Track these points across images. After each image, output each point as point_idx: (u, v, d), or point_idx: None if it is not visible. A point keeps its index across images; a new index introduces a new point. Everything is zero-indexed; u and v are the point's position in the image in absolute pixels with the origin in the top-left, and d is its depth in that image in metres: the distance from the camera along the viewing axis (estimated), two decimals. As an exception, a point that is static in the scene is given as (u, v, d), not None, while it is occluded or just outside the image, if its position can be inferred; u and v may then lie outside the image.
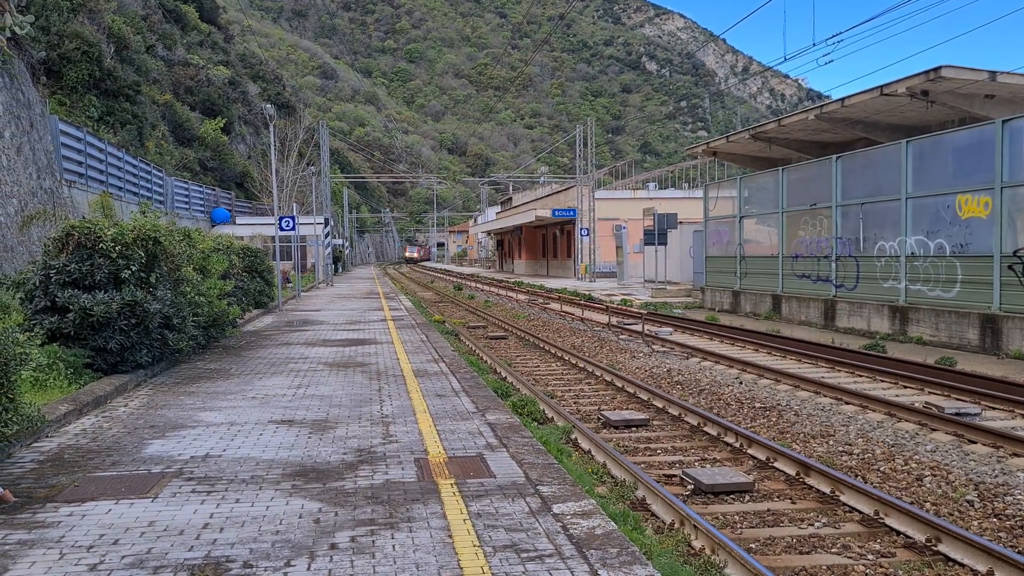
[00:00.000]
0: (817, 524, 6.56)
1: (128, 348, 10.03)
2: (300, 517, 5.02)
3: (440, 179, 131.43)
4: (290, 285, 33.36)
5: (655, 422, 10.34)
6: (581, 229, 48.22)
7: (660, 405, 11.12)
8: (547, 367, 15.33)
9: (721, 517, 6.72)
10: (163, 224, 11.35)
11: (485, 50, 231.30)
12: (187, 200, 39.30)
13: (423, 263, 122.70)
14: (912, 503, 6.93)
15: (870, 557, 5.89)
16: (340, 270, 64.41)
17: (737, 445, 8.86)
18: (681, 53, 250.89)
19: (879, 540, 6.21)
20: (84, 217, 15.72)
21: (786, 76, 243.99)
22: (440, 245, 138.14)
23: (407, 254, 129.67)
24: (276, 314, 22.15)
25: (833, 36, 22.71)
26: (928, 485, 7.49)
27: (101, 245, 9.94)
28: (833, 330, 19.36)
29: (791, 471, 7.79)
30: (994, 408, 10.42)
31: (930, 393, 11.52)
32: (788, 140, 25.66)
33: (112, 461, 6.39)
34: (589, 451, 8.75)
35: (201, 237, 14.45)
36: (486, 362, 15.61)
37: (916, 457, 8.38)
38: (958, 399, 10.92)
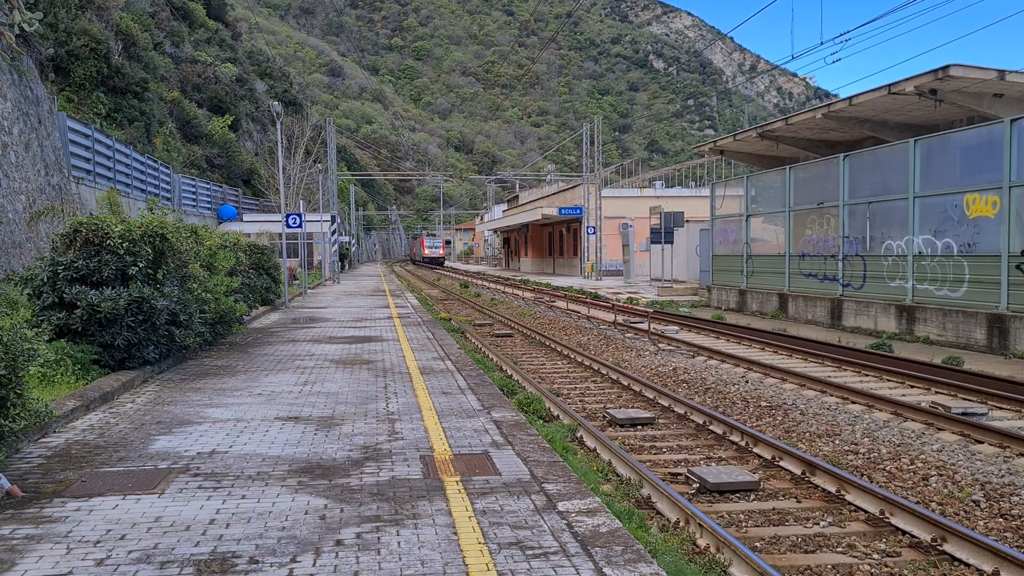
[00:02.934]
0: (822, 523, 6.56)
1: (135, 344, 10.07)
2: (306, 513, 5.04)
3: (447, 177, 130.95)
4: (297, 282, 33.42)
5: (661, 420, 10.34)
6: (588, 227, 48.19)
7: (666, 403, 11.12)
8: (553, 365, 15.33)
9: (726, 516, 6.72)
10: (170, 221, 11.38)
11: (492, 48, 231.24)
12: (194, 197, 39.41)
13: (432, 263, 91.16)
14: (918, 503, 6.92)
15: (875, 556, 5.88)
16: (347, 268, 64.51)
17: (743, 444, 8.86)
18: (688, 51, 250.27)
19: (885, 539, 6.20)
20: (92, 214, 15.78)
21: (794, 74, 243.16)
22: (447, 243, 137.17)
23: (426, 252, 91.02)
24: (283, 311, 22.19)
25: (841, 35, 22.67)
26: (934, 485, 7.48)
27: (109, 242, 9.98)
28: (840, 329, 19.31)
29: (797, 470, 7.78)
30: (1001, 408, 10.39)
31: (937, 393, 11.49)
32: (795, 139, 25.61)
33: (119, 457, 6.42)
34: (595, 449, 8.76)
35: (208, 234, 14.48)
36: (492, 360, 15.62)
37: (922, 457, 8.36)
38: (965, 399, 10.89)
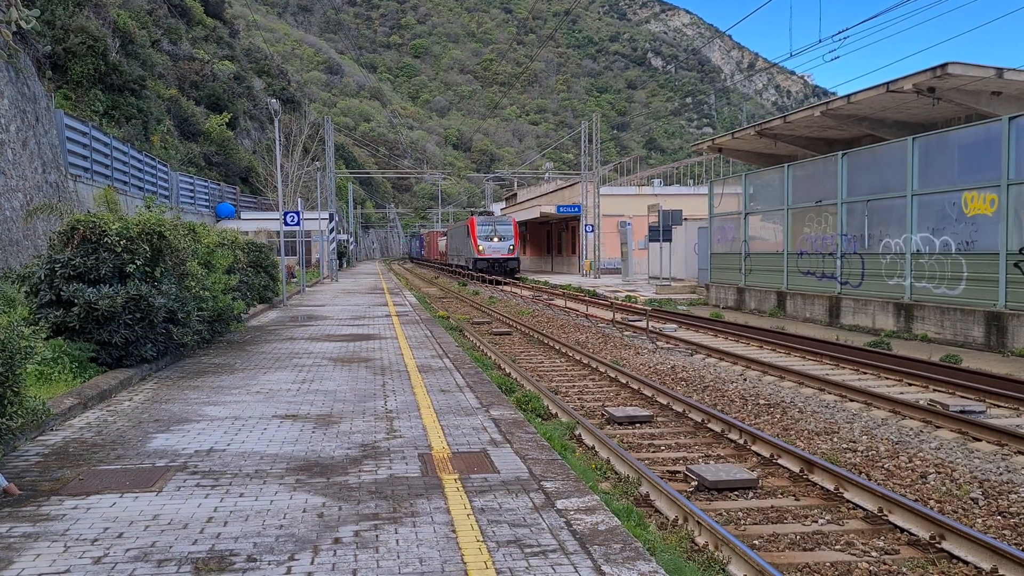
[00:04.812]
0: (821, 521, 6.56)
1: (133, 342, 10.05)
2: (304, 511, 5.03)
3: (445, 175, 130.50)
4: (295, 280, 33.39)
5: (659, 418, 10.34)
6: (586, 225, 48.16)
7: (664, 401, 11.12)
8: (551, 363, 15.32)
9: (725, 513, 6.71)
10: (168, 219, 11.36)
11: (490, 46, 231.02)
12: (192, 195, 39.36)
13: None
14: (916, 500, 6.92)
15: (874, 554, 5.88)
16: (345, 266, 64.46)
17: (741, 442, 8.85)
18: (687, 49, 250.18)
19: (883, 537, 6.20)
20: (89, 211, 15.75)
21: (792, 72, 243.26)
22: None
23: (481, 251, 47.54)
24: (281, 309, 22.18)
25: (839, 32, 22.64)
26: (932, 483, 7.48)
27: (106, 239, 9.96)
28: (838, 327, 19.32)
29: (795, 468, 7.78)
30: (999, 406, 10.40)
31: (935, 391, 11.49)
32: (794, 136, 25.61)
33: (117, 455, 6.41)
34: (593, 447, 8.75)
35: (206, 232, 14.46)
36: (490, 358, 15.62)
37: (920, 454, 8.36)
38: (963, 397, 10.90)
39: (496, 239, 46.88)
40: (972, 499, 6.99)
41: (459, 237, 55.07)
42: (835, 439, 9.13)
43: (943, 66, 17.37)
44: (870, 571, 5.60)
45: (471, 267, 47.76)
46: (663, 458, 8.46)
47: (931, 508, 6.71)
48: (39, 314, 9.58)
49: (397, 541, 4.52)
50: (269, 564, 4.21)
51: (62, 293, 9.66)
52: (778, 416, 10.34)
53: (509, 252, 46.80)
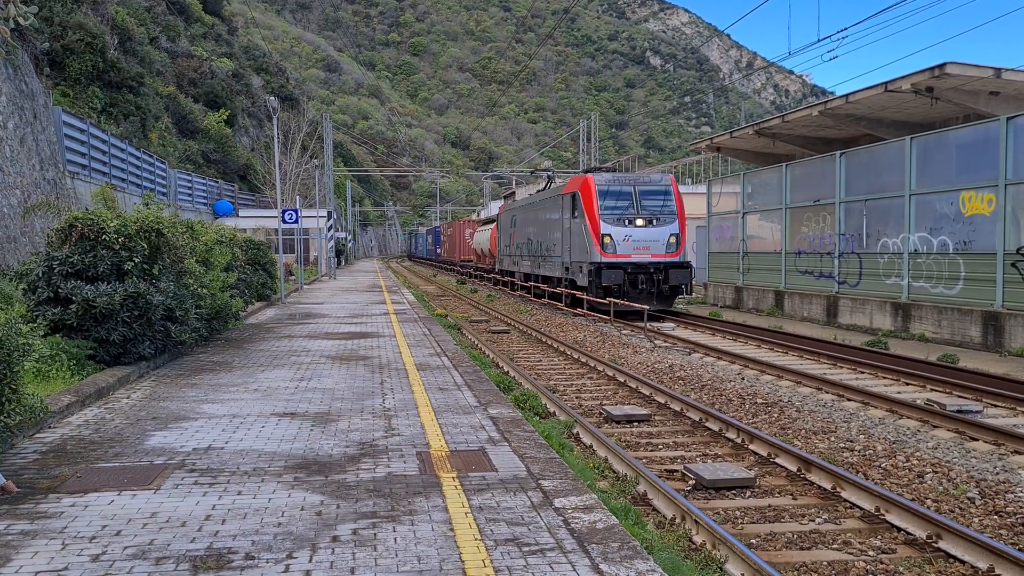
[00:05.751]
0: (818, 520, 6.57)
1: (131, 340, 10.04)
2: (302, 509, 5.03)
3: (443, 173, 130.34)
4: (293, 278, 33.37)
5: (657, 417, 10.35)
6: (584, 224, 47.96)
7: (662, 400, 11.13)
8: (549, 361, 15.33)
9: (722, 512, 6.72)
10: (166, 216, 11.35)
11: (489, 44, 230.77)
12: (190, 192, 39.31)
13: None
14: (913, 500, 6.93)
15: (871, 553, 5.89)
16: (343, 264, 64.40)
17: (739, 441, 8.86)
18: (685, 48, 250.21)
19: (880, 536, 6.21)
20: (87, 209, 15.73)
21: (790, 72, 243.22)
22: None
23: (605, 247, 21.99)
24: (279, 307, 22.16)
25: (838, 32, 22.66)
26: (929, 482, 7.49)
27: (104, 236, 9.95)
28: (835, 326, 19.34)
29: (792, 467, 7.79)
30: (996, 405, 10.42)
31: (932, 390, 11.51)
32: (792, 136, 25.63)
33: (115, 452, 6.41)
34: (591, 445, 8.76)
35: (204, 229, 14.45)
36: (488, 356, 15.62)
37: (917, 454, 8.37)
38: (960, 396, 10.92)
39: (641, 221, 22.91)
40: (969, 498, 7.00)
41: (542, 221, 28.55)
42: (832, 438, 9.14)
43: (941, 66, 17.39)
44: (867, 570, 5.61)
45: (588, 280, 23.01)
46: (661, 457, 8.46)
47: (928, 507, 6.72)
48: (37, 311, 9.56)
49: (395, 539, 4.52)
50: (267, 562, 4.21)
51: (60, 290, 9.65)
52: (776, 415, 10.35)
53: (670, 250, 22.88)
